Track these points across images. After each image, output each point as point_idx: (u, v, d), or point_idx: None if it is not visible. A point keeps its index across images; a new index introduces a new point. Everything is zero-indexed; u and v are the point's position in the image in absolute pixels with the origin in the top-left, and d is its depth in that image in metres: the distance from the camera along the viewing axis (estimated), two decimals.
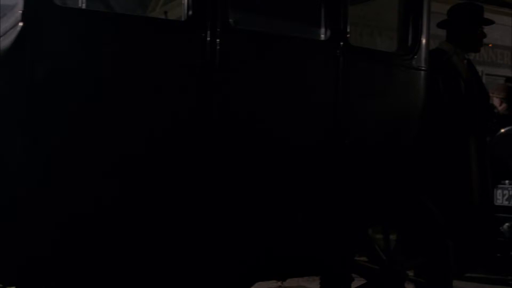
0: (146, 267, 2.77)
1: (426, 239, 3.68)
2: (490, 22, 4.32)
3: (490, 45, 11.61)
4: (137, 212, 2.73)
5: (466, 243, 4.07)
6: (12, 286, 2.58)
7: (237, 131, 2.99)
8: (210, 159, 2.89)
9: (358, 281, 3.60)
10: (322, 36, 3.29)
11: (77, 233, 2.60)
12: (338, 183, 3.29)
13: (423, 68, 3.70)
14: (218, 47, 2.89)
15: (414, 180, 3.67)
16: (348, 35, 3.32)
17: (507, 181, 5.21)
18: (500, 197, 5.19)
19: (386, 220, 3.58)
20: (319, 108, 3.25)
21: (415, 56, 3.67)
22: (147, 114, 2.75)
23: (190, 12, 2.86)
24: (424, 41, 3.71)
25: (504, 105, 5.80)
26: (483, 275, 5.25)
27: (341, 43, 3.28)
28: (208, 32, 2.88)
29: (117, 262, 2.73)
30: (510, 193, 5.24)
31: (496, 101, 5.77)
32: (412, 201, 3.63)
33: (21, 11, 2.47)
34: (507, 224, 5.15)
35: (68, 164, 2.57)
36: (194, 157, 2.86)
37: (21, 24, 2.47)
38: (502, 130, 5.33)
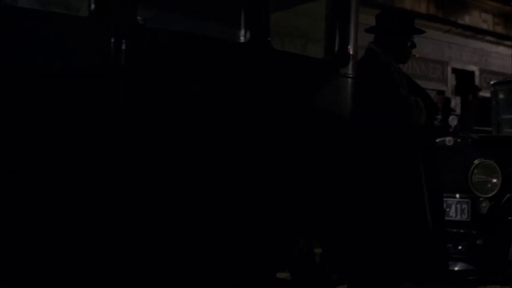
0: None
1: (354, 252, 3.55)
2: (422, 32, 4.18)
3: (417, 55, 11.81)
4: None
5: (408, 255, 3.90)
6: None
7: (145, 133, 2.75)
8: (116, 160, 2.67)
9: None
10: (242, 38, 3.10)
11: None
12: (252, 193, 3.09)
13: (349, 75, 3.57)
14: (124, 47, 2.64)
15: (338, 189, 3.49)
16: (269, 38, 3.14)
17: None
18: None
19: (310, 232, 3.41)
20: (234, 112, 3.04)
21: (342, 63, 3.53)
22: (46, 113, 2.52)
23: (93, 7, 2.60)
24: (351, 48, 3.58)
25: (439, 116, 5.80)
26: None
27: (262, 46, 3.11)
28: (113, 31, 2.62)
29: None
30: None
31: None
32: (335, 212, 3.47)
33: None
34: None
35: None
36: (100, 159, 2.63)
37: None
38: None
